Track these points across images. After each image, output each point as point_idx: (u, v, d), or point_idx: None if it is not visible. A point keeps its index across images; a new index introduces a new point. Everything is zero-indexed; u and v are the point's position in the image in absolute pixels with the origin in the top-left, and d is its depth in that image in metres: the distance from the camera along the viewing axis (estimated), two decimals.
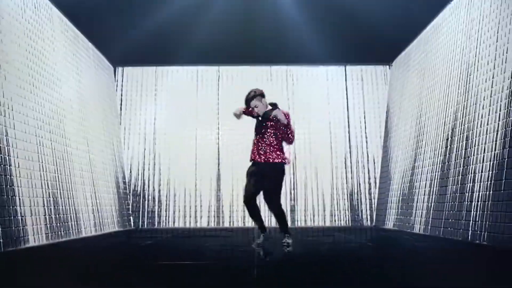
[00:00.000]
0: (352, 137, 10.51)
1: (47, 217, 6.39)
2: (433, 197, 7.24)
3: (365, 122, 10.56)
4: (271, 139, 5.57)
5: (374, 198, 10.25)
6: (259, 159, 5.48)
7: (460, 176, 6.43)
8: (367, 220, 10.20)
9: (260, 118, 5.70)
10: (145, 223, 10.15)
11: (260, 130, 5.63)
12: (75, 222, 7.33)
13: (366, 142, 10.49)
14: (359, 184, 10.31)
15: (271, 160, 5.45)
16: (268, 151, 5.50)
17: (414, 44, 9.19)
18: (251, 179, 5.50)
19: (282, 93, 10.63)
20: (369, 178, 10.35)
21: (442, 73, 7.57)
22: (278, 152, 5.49)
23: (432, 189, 7.34)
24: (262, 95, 5.89)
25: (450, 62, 7.30)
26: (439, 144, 7.32)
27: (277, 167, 5.48)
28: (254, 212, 5.61)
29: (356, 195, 10.29)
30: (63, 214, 6.94)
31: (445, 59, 7.53)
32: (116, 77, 10.67)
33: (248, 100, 5.86)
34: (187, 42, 9.51)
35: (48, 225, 6.39)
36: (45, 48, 7.03)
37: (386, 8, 8.36)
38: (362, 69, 10.80)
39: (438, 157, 7.29)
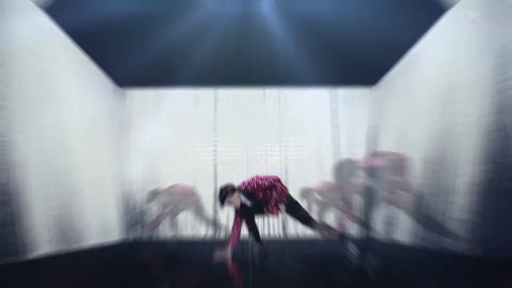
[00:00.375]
0: (341, 155, 10.29)
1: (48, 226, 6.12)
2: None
3: (352, 142, 10.36)
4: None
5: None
6: None
7: (441, 194, 6.23)
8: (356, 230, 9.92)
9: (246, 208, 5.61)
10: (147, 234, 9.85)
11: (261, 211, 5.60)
12: (79, 234, 7.06)
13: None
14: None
15: None
16: None
17: (398, 67, 9.04)
18: None
19: (274, 114, 10.45)
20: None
21: (425, 98, 7.39)
22: None
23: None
24: (232, 190, 5.74)
25: (432, 86, 7.12)
26: (420, 165, 7.13)
27: None
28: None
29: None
30: (68, 227, 6.66)
31: (426, 84, 7.35)
32: (120, 99, 10.43)
33: (222, 201, 5.74)
34: (187, 66, 9.34)
35: (49, 234, 6.11)
36: (49, 70, 6.81)
37: (371, 34, 8.22)
38: (348, 91, 10.62)
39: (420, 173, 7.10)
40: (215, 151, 10.24)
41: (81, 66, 8.20)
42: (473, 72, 5.74)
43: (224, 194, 5.67)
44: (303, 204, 7.61)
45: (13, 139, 5.33)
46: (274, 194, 5.56)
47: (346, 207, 7.51)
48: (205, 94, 10.63)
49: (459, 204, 5.74)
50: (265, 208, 5.67)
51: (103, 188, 8.53)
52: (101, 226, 8.10)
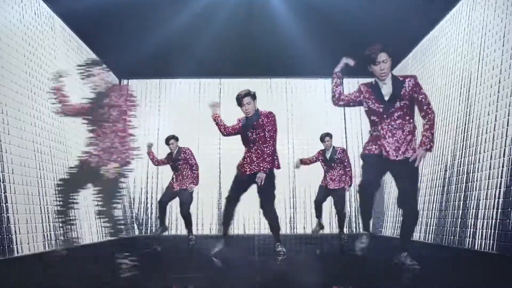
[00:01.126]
0: (349, 147, 9.80)
1: (43, 224, 5.68)
2: (435, 205, 6.54)
3: (361, 134, 9.88)
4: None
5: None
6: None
7: (464, 184, 5.75)
8: (359, 227, 9.45)
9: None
10: (149, 229, 9.43)
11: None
12: (75, 231, 6.61)
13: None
14: (356, 192, 9.60)
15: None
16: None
17: (410, 56, 8.56)
18: None
19: (282, 105, 9.98)
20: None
21: (441, 83, 6.91)
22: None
23: (433, 197, 6.65)
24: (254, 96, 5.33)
25: (450, 72, 6.64)
26: (439, 152, 6.65)
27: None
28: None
29: (354, 202, 9.57)
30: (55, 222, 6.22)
31: (444, 69, 6.87)
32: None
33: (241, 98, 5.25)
34: (190, 55, 8.92)
35: (45, 234, 5.68)
36: (45, 56, 6.36)
37: (381, 22, 7.81)
38: (358, 81, 10.11)
39: (439, 165, 6.61)
40: (219, 144, 9.78)
41: (80, 55, 7.77)
42: (493, 58, 5.27)
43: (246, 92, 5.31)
44: None
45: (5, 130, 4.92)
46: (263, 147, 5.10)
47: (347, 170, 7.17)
48: (208, 85, 10.15)
49: (481, 198, 5.29)
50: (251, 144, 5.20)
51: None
52: (98, 225, 7.67)
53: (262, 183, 5.02)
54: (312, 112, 9.92)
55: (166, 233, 9.10)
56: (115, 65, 9.18)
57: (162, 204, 7.41)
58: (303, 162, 7.80)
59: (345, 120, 9.93)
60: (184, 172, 7.33)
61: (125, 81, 10.05)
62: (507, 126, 4.93)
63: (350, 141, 9.82)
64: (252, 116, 5.23)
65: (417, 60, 8.16)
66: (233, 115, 9.29)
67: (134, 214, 9.45)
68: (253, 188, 5.27)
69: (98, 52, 8.59)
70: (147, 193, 9.60)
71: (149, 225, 9.47)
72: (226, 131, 5.38)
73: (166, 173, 9.63)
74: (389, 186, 8.70)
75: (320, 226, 7.73)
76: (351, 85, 10.18)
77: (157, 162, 7.81)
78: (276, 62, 9.37)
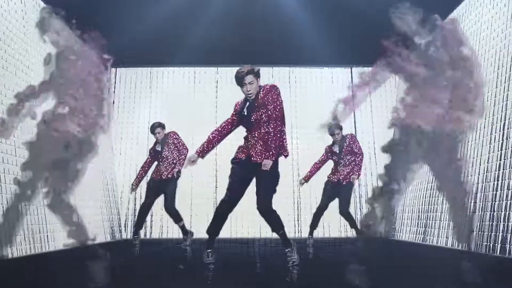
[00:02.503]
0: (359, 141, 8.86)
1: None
2: (468, 206, 5.57)
3: (373, 127, 8.94)
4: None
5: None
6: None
7: (508, 181, 4.79)
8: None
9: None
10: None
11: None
12: (47, 234, 5.66)
13: (374, 147, 8.84)
14: (367, 192, 8.65)
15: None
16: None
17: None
18: None
19: (285, 96, 8.97)
20: (377, 186, 8.67)
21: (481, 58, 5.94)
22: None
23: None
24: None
25: (481, 51, 5.69)
26: (467, 146, 5.70)
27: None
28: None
29: (364, 204, 8.61)
30: (29, 225, 5.26)
31: (485, 40, 5.91)
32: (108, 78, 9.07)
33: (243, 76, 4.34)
34: (184, 42, 8.10)
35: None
36: (12, 30, 5.40)
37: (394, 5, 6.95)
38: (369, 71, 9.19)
39: (475, 157, 5.65)
40: None
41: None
42: None
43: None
44: None
45: None
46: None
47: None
48: (204, 74, 9.21)
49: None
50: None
51: (88, 184, 7.17)
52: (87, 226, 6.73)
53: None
54: (318, 104, 8.96)
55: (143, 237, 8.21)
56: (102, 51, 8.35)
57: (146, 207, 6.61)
58: (306, 179, 7.04)
59: (355, 114, 8.98)
60: (170, 158, 6.39)
61: (112, 70, 9.11)
62: None
63: (360, 136, 8.86)
64: (254, 97, 4.32)
65: None
66: (230, 108, 8.40)
67: (120, 216, 8.49)
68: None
69: (82, 36, 7.67)
70: (135, 193, 8.64)
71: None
72: (222, 135, 4.43)
73: None
74: (408, 191, 7.74)
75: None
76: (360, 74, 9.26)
77: (146, 168, 6.92)
78: (279, 49, 8.52)
